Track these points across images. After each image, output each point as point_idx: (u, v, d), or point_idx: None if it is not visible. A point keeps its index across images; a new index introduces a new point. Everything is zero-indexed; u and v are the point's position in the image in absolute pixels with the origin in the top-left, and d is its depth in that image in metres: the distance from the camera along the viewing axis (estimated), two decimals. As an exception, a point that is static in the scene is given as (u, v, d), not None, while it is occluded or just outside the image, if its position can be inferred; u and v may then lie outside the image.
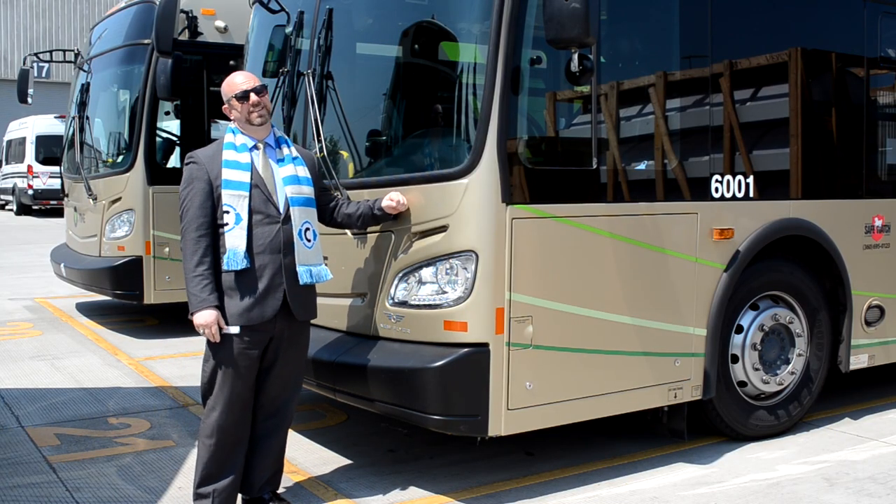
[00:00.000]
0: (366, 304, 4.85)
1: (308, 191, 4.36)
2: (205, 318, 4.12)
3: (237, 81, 4.34)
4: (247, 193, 4.17)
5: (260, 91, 4.29)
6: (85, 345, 8.58)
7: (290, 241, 4.24)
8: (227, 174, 4.18)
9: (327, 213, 4.66)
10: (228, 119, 4.40)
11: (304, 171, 4.37)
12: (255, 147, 4.30)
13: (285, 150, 4.36)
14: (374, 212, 4.64)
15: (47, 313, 10.38)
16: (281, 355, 4.36)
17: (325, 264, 4.40)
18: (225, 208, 4.16)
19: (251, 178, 4.20)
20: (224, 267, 4.16)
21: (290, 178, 4.29)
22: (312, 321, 4.53)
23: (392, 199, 4.60)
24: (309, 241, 4.30)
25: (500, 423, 4.47)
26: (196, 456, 4.39)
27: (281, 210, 4.25)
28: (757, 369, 5.53)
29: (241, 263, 4.13)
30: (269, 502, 4.45)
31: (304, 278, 4.26)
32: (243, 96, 4.27)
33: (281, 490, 4.63)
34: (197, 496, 4.32)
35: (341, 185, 4.94)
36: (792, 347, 5.71)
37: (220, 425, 4.25)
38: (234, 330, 4.17)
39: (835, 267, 5.81)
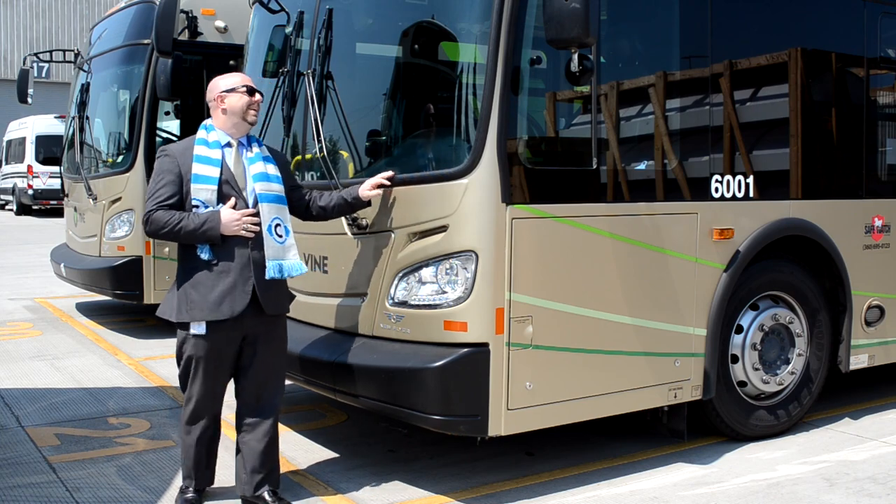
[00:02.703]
0: (365, 304, 4.85)
1: (278, 188, 4.42)
2: (228, 218, 4.21)
3: (244, 78, 4.48)
4: (214, 188, 4.26)
5: (259, 93, 4.45)
6: (85, 345, 8.59)
7: (258, 236, 4.30)
8: (196, 168, 4.27)
9: (301, 208, 4.70)
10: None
11: (274, 170, 4.44)
12: (228, 144, 4.38)
13: (255, 149, 4.44)
14: (348, 200, 4.68)
15: (47, 313, 10.38)
16: (257, 352, 4.42)
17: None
18: (194, 203, 4.26)
19: (221, 174, 4.29)
20: (197, 253, 4.26)
21: (259, 176, 4.37)
22: (313, 321, 4.55)
23: (372, 187, 4.62)
24: (280, 236, 4.36)
25: (500, 424, 4.47)
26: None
27: (250, 206, 4.33)
28: (757, 369, 5.53)
29: (209, 254, 4.24)
30: (267, 500, 4.45)
31: (271, 272, 4.31)
32: (251, 91, 4.39)
33: (280, 489, 4.62)
34: (181, 490, 4.53)
35: (341, 185, 4.93)
36: (792, 347, 5.71)
37: (192, 414, 4.43)
38: (200, 330, 4.24)
39: (835, 267, 5.81)
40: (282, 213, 4.41)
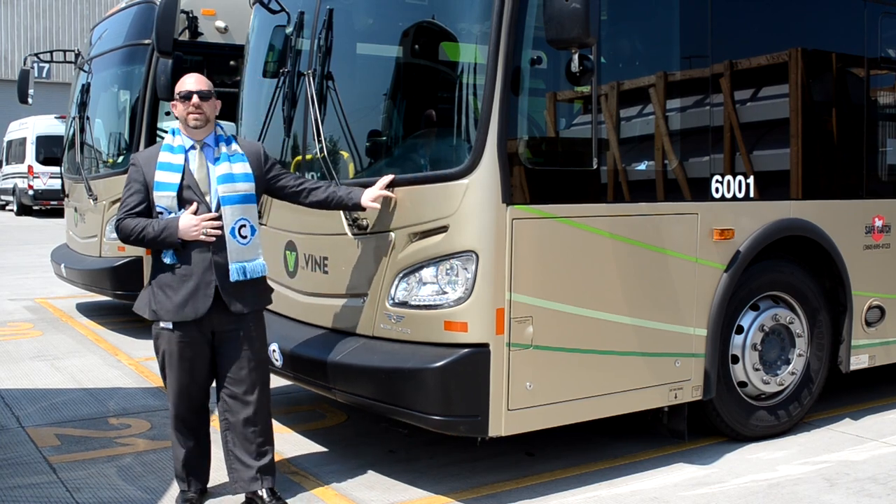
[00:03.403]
0: (366, 305, 4.85)
1: (244, 188, 4.40)
2: (185, 224, 4.25)
3: (185, 81, 4.45)
4: (173, 194, 4.31)
5: (205, 96, 4.37)
6: (85, 345, 8.59)
7: (220, 239, 4.32)
8: (158, 176, 4.34)
9: (293, 196, 4.71)
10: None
11: (241, 168, 4.42)
12: (193, 148, 4.39)
13: (223, 149, 4.42)
14: (348, 204, 4.69)
15: (47, 314, 10.38)
16: (230, 349, 4.44)
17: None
18: (158, 210, 4.34)
19: (182, 180, 4.33)
20: (161, 257, 4.35)
21: (223, 177, 4.37)
22: (313, 322, 4.54)
23: (374, 201, 4.62)
24: (244, 237, 4.37)
25: (501, 424, 4.47)
26: None
27: (213, 209, 4.34)
28: (757, 370, 5.53)
29: (173, 259, 4.32)
30: (265, 500, 4.46)
31: (234, 275, 4.34)
32: (186, 97, 4.37)
33: (280, 491, 4.62)
34: (181, 490, 4.58)
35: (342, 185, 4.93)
36: (792, 348, 5.70)
37: (173, 413, 4.50)
38: (168, 324, 4.35)
39: (835, 267, 5.81)
40: (247, 213, 4.40)
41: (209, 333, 4.41)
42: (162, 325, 4.38)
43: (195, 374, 4.44)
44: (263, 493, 4.46)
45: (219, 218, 4.32)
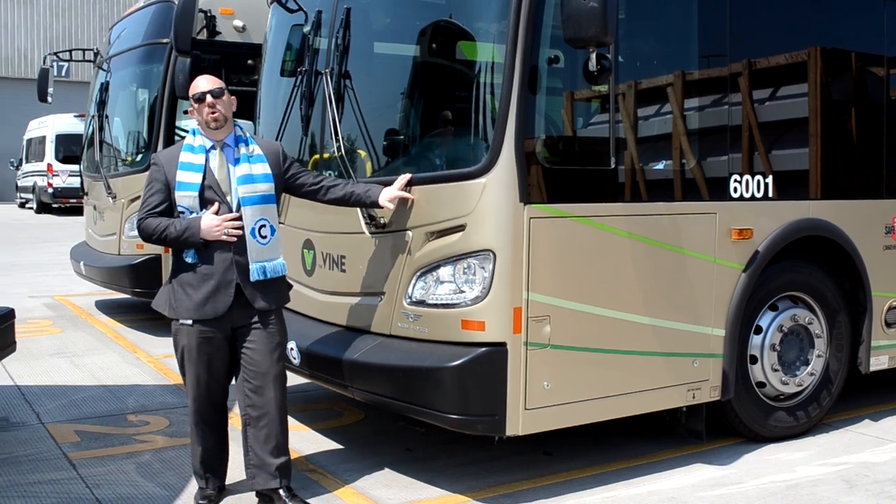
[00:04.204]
0: (383, 303, 4.85)
1: (264, 188, 4.43)
2: (207, 224, 4.29)
3: (196, 84, 4.48)
4: (195, 194, 4.34)
5: (217, 94, 4.40)
6: (104, 342, 8.64)
7: (241, 239, 4.35)
8: (180, 176, 4.37)
9: (312, 193, 4.73)
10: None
11: (261, 168, 4.44)
12: (213, 148, 4.42)
13: (242, 149, 4.45)
14: (365, 202, 4.71)
15: (67, 311, 10.45)
16: (249, 345, 4.46)
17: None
18: (179, 209, 4.38)
19: (203, 180, 4.36)
20: (183, 256, 4.39)
21: (243, 178, 4.39)
22: (330, 320, 4.56)
23: (391, 201, 4.64)
24: (264, 237, 4.40)
25: (518, 423, 4.47)
26: None
27: (233, 209, 4.37)
28: (776, 370, 5.51)
29: (194, 258, 4.37)
30: (283, 497, 4.48)
31: (255, 275, 4.38)
32: (200, 98, 4.40)
33: (297, 489, 4.64)
34: (200, 487, 4.60)
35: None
36: (811, 348, 5.67)
37: (193, 409, 4.52)
38: (188, 321, 4.39)
39: (854, 268, 5.77)
40: (267, 213, 4.43)
41: (229, 330, 4.44)
42: (181, 321, 4.41)
43: (213, 370, 4.46)
44: (282, 491, 4.48)
45: (239, 218, 4.35)
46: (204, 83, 4.45)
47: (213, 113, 4.37)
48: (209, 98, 4.38)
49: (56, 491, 4.75)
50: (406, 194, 4.65)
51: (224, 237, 4.31)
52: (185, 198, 4.35)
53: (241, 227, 4.34)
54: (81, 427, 5.86)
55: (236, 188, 4.37)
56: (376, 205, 4.67)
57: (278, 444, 4.50)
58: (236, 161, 4.41)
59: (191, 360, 4.44)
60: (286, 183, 4.63)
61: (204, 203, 4.35)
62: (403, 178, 4.66)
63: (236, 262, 4.35)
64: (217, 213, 4.33)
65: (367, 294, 4.98)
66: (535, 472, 5.03)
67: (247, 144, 4.47)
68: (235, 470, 4.70)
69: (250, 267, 4.36)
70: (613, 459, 5.24)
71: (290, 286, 4.71)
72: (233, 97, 4.53)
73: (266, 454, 4.48)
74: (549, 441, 5.26)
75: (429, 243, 4.62)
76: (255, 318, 4.45)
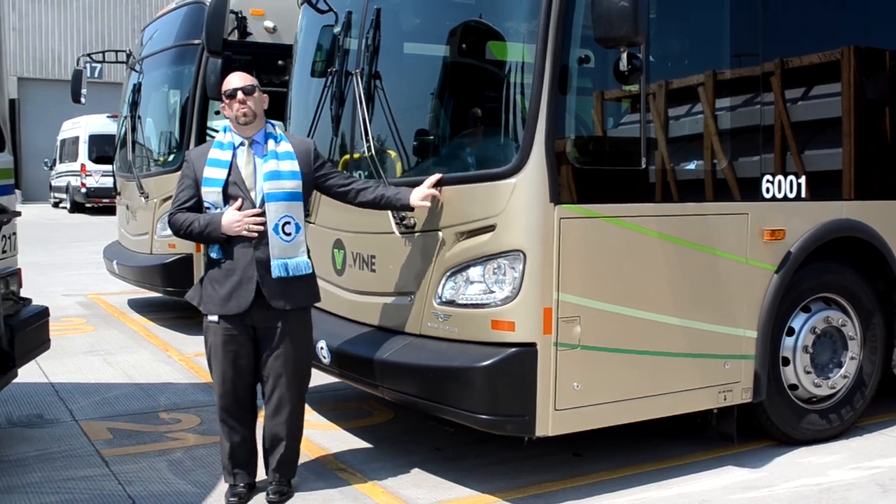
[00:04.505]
0: (413, 303, 4.86)
1: (290, 185, 4.45)
2: (228, 220, 4.35)
3: (229, 80, 4.53)
4: (219, 189, 4.41)
5: (248, 91, 4.44)
6: (136, 340, 8.73)
7: (263, 235, 4.38)
8: (206, 172, 4.45)
9: (342, 195, 4.75)
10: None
11: (289, 166, 4.47)
12: (242, 144, 4.47)
13: (271, 146, 4.47)
14: (395, 204, 4.71)
15: (100, 309, 10.57)
16: (270, 344, 4.50)
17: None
18: (205, 205, 4.45)
19: (228, 175, 4.41)
20: (209, 251, 4.47)
21: (269, 174, 4.42)
22: (360, 320, 4.58)
23: (423, 200, 4.63)
24: (288, 235, 4.42)
25: (548, 424, 4.46)
26: None
27: (257, 205, 4.40)
28: (808, 372, 5.45)
29: (218, 254, 4.45)
30: (271, 490, 4.59)
31: (276, 272, 4.40)
32: (231, 95, 4.46)
33: (326, 487, 4.68)
34: (230, 485, 4.64)
35: (389, 185, 4.94)
36: (844, 350, 5.61)
37: (219, 406, 4.57)
38: (214, 318, 4.47)
39: (889, 269, 5.69)
40: (292, 210, 4.45)
41: (251, 329, 4.48)
42: (209, 318, 4.48)
43: (239, 368, 4.50)
44: (273, 482, 4.60)
45: (262, 214, 4.38)
46: (236, 80, 4.50)
47: (242, 108, 4.42)
48: (240, 94, 4.43)
49: (89, 487, 4.81)
50: (436, 192, 4.65)
51: (245, 233, 4.35)
52: (210, 193, 4.42)
53: (263, 223, 4.37)
54: (114, 424, 5.92)
55: (262, 184, 4.40)
56: (408, 207, 4.67)
57: (286, 440, 4.57)
58: (264, 157, 4.45)
59: (217, 358, 4.50)
60: (316, 182, 4.66)
61: (228, 199, 4.40)
62: (433, 177, 4.67)
63: (257, 259, 4.39)
64: (240, 208, 4.37)
65: (397, 294, 4.99)
66: (564, 473, 5.01)
67: (276, 141, 4.50)
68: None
69: (271, 263, 4.39)
70: (643, 461, 5.21)
71: (316, 288, 4.70)
72: (265, 95, 4.57)
73: (270, 447, 4.60)
74: (579, 442, 5.24)
75: (459, 243, 4.62)
76: (276, 320, 4.47)
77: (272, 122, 4.60)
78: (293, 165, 4.47)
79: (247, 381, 4.57)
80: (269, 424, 4.61)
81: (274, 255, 4.39)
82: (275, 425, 4.59)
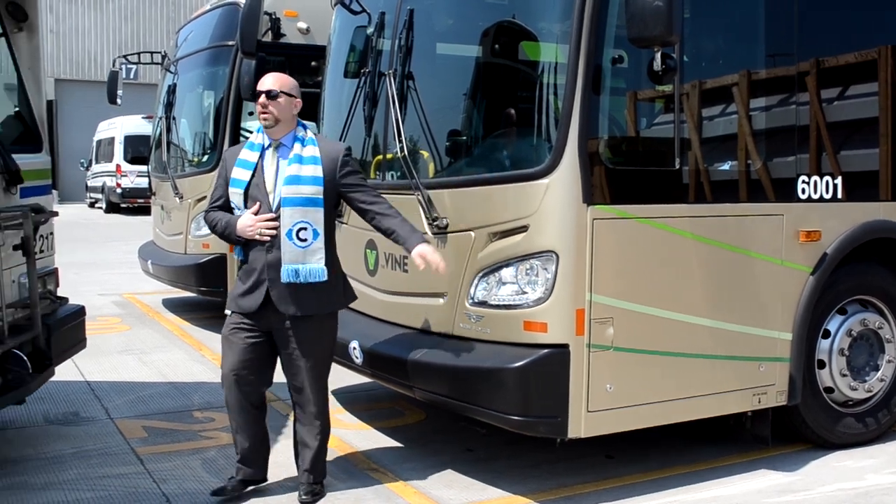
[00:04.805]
0: (445, 304, 4.87)
1: (309, 191, 4.36)
2: (242, 223, 4.40)
3: (262, 81, 4.53)
4: (241, 191, 4.44)
5: (273, 96, 4.40)
6: (171, 340, 8.81)
7: (277, 239, 4.38)
8: (234, 172, 4.49)
9: (362, 214, 4.61)
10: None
11: (310, 171, 4.38)
12: (269, 146, 4.48)
13: (297, 150, 4.43)
14: (401, 244, 4.53)
15: (135, 309, 10.68)
16: (286, 348, 4.52)
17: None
18: (233, 204, 4.49)
19: (252, 177, 4.43)
20: (235, 253, 4.59)
21: (289, 179, 4.39)
22: (393, 320, 4.57)
23: (421, 256, 4.42)
24: (302, 240, 4.35)
25: (580, 425, 4.45)
26: None
27: (273, 209, 4.40)
28: (844, 375, 5.39)
29: (239, 254, 4.54)
30: (303, 491, 4.60)
31: (286, 277, 4.37)
32: (256, 96, 4.48)
33: (358, 487, 4.70)
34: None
35: (421, 185, 4.95)
36: (881, 353, 5.54)
37: (225, 399, 4.60)
38: (228, 312, 4.58)
39: (927, 271, 5.62)
40: (309, 216, 4.36)
41: (265, 328, 4.50)
42: (226, 311, 4.59)
43: (241, 361, 4.47)
44: (306, 484, 4.60)
45: (277, 219, 4.37)
46: (265, 82, 4.49)
47: (263, 112, 4.41)
48: (262, 98, 4.41)
49: (124, 485, 4.86)
50: (440, 262, 4.44)
51: (257, 236, 4.37)
52: (234, 194, 4.46)
53: (277, 228, 4.36)
54: (149, 423, 5.98)
55: (281, 188, 4.38)
56: (408, 251, 4.50)
57: (314, 442, 4.59)
58: (289, 161, 4.42)
59: (223, 348, 4.57)
60: (340, 191, 4.51)
61: (248, 201, 4.43)
62: (441, 262, 4.46)
63: (268, 262, 4.39)
64: (258, 212, 4.39)
65: (429, 294, 5.00)
66: (596, 475, 4.99)
67: (303, 145, 4.45)
68: (275, 468, 4.75)
69: (282, 268, 4.35)
70: (677, 464, 5.18)
71: (335, 297, 4.59)
72: (296, 99, 4.49)
73: (300, 448, 4.63)
74: (612, 444, 5.22)
75: (491, 244, 4.62)
76: (288, 325, 4.46)
77: (305, 123, 4.58)
78: (315, 171, 4.39)
79: (249, 378, 4.51)
80: (296, 427, 4.66)
81: (285, 260, 4.35)
82: (300, 428, 4.62)
